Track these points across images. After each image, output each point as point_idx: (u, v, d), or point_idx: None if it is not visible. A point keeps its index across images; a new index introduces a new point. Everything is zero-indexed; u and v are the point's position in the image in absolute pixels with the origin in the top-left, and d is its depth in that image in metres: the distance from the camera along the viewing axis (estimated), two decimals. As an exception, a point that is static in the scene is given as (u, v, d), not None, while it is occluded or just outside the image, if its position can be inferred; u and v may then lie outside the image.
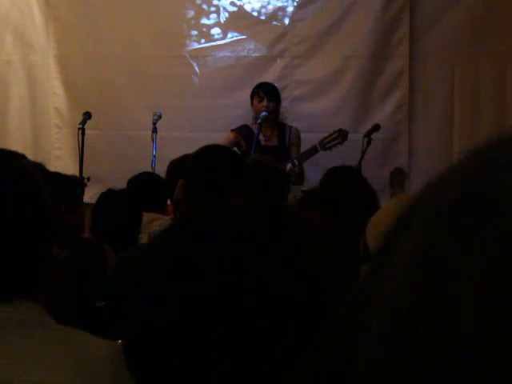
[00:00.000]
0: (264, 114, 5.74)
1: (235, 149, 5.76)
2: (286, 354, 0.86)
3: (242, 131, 5.99)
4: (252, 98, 6.03)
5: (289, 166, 5.54)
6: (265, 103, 5.86)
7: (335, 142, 5.70)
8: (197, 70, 6.82)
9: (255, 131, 5.77)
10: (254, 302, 0.87)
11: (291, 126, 6.09)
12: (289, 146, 5.96)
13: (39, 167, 2.70)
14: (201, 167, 2.94)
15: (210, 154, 3.00)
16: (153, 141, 5.77)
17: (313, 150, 5.70)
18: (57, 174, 3.34)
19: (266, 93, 5.93)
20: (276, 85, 6.37)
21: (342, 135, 5.70)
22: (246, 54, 6.81)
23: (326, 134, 5.79)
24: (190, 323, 0.87)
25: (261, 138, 5.88)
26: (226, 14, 6.80)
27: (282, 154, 5.70)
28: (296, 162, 5.58)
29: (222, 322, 0.87)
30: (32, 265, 1.45)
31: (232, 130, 6.06)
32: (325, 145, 5.69)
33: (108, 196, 3.52)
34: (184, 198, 2.98)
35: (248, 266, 0.89)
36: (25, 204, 1.45)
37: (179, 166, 3.74)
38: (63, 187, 3.19)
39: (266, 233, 0.92)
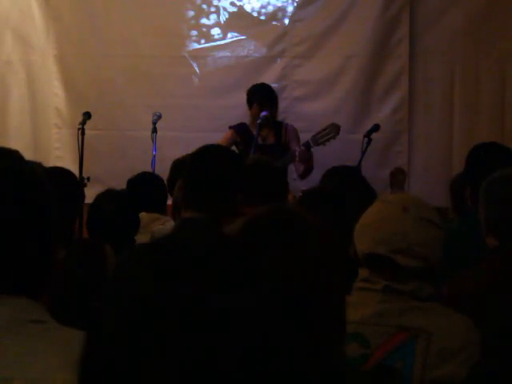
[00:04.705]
0: (264, 113, 5.72)
1: (234, 148, 5.75)
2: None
3: (240, 129, 5.97)
4: (250, 102, 5.97)
5: (297, 150, 5.57)
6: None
7: (328, 136, 5.65)
8: (197, 70, 6.82)
9: (254, 132, 5.75)
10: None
11: (287, 124, 6.08)
12: (286, 143, 5.95)
13: (39, 167, 2.69)
14: (200, 167, 2.94)
15: (209, 153, 3.00)
16: (153, 141, 5.77)
17: (306, 146, 5.66)
18: (57, 174, 3.34)
19: (268, 101, 5.88)
20: (275, 85, 6.36)
21: (334, 129, 5.66)
22: (245, 54, 6.81)
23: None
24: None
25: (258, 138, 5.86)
26: (226, 14, 6.80)
27: (280, 152, 5.69)
28: (303, 148, 5.59)
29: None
30: (32, 264, 1.45)
31: (230, 128, 6.04)
32: (317, 140, 5.63)
33: (103, 196, 3.50)
34: (183, 198, 2.98)
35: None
36: (27, 203, 1.45)
37: (184, 165, 3.72)
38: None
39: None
